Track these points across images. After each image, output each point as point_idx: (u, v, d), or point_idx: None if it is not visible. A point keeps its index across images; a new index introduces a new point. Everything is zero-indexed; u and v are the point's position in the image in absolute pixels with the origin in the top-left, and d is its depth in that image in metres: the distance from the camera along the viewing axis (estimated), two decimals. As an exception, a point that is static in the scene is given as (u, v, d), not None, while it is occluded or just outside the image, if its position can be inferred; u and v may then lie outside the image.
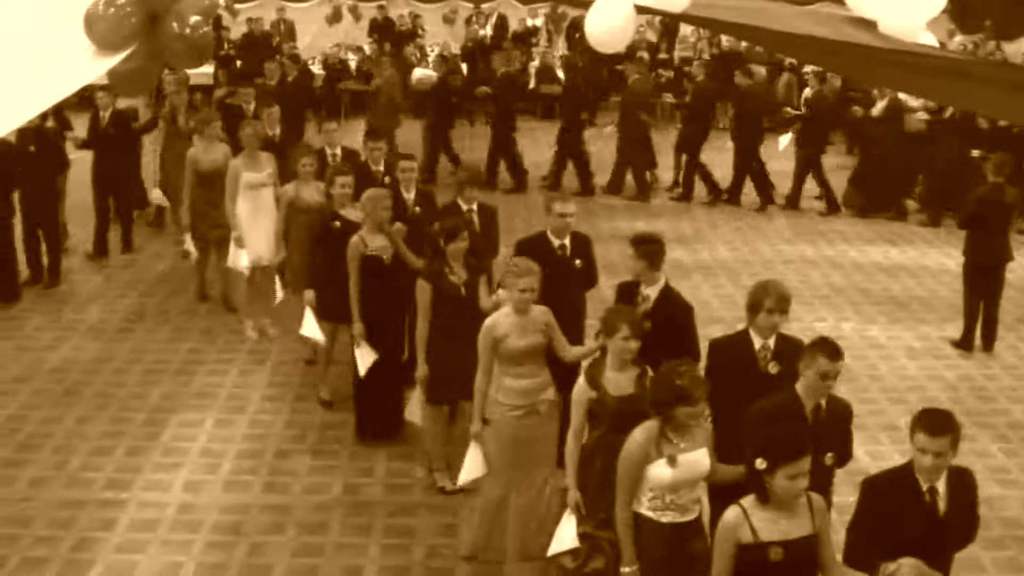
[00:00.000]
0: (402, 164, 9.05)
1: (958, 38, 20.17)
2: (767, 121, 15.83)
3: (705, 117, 16.07)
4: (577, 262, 7.53)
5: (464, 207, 8.44)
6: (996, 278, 10.13)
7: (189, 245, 10.66)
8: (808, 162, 15.26)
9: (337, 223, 8.34)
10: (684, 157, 15.75)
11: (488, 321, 6.40)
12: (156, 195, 12.41)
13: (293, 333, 9.96)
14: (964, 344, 10.23)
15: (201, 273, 10.98)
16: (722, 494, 5.22)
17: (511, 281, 6.31)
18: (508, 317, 6.34)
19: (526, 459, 6.36)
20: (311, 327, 8.54)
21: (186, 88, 12.15)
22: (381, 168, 9.71)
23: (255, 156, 9.84)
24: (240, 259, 9.81)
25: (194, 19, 3.99)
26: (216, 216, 10.13)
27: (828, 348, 5.36)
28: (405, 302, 7.67)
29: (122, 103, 12.35)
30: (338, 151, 10.37)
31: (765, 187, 15.49)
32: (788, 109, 17.34)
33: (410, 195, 8.91)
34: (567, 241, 7.54)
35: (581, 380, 5.85)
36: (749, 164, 15.40)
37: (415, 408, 7.45)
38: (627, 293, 6.71)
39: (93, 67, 3.88)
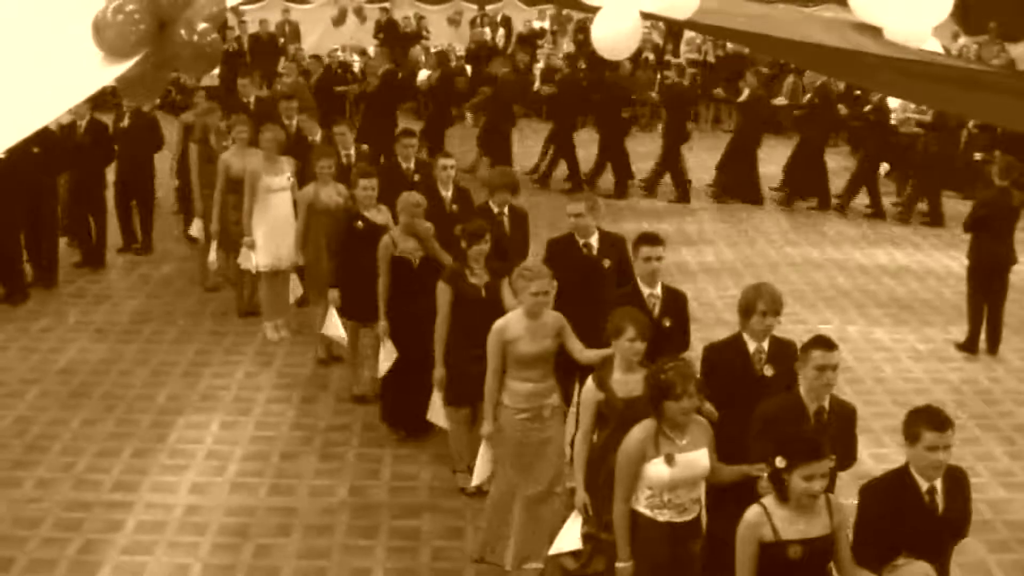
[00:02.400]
0: (441, 162, 9.10)
1: (962, 39, 20.19)
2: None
3: (572, 109, 16.86)
4: (606, 262, 7.50)
5: (495, 209, 8.46)
6: (1001, 281, 10.15)
7: (212, 254, 10.63)
8: (667, 149, 15.96)
9: (360, 223, 8.41)
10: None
11: (498, 323, 6.40)
12: (195, 229, 11.34)
13: (302, 335, 10.08)
14: (969, 347, 10.24)
15: (239, 284, 10.85)
16: (723, 496, 5.24)
17: (523, 285, 6.30)
18: (520, 320, 6.35)
19: (530, 463, 6.38)
20: (334, 326, 8.62)
21: (219, 108, 11.92)
22: (412, 166, 9.79)
23: (274, 160, 9.88)
24: (250, 261, 9.89)
25: (203, 26, 4.00)
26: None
27: (821, 341, 5.43)
28: (433, 304, 7.70)
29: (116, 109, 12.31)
30: (352, 151, 10.37)
31: (594, 173, 16.33)
32: (652, 94, 17.69)
33: (448, 193, 8.96)
34: (593, 241, 7.51)
35: (589, 382, 5.87)
36: (615, 152, 16.15)
37: (438, 409, 7.47)
38: (627, 298, 6.68)
39: (102, 74, 3.90)
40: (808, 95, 17.54)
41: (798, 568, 4.63)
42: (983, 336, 10.24)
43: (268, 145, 9.89)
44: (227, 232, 10.37)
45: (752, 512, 4.68)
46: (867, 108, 16.02)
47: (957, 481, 4.99)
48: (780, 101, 17.74)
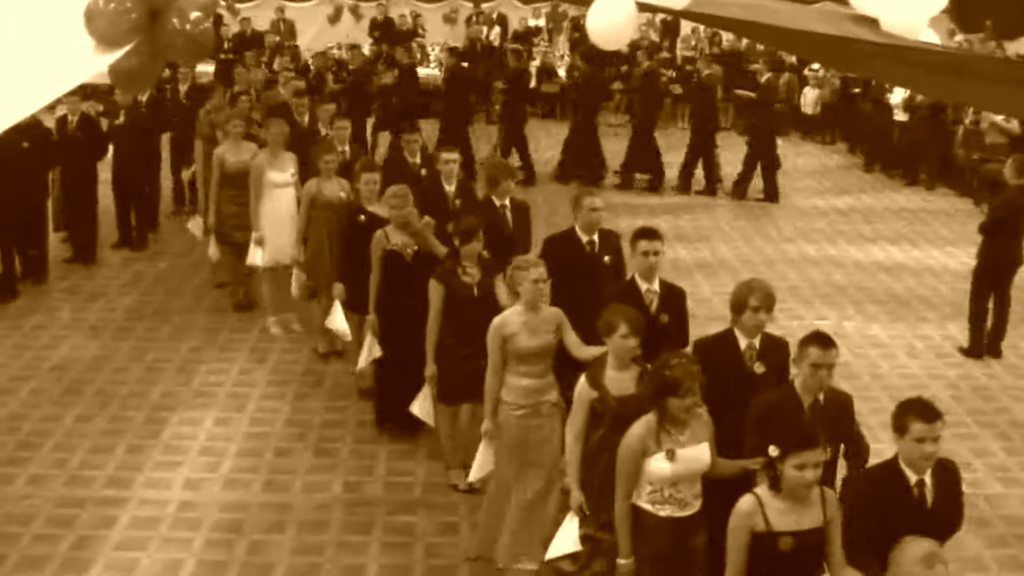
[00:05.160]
0: (444, 156, 9.10)
1: (958, 37, 20.21)
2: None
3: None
4: (606, 258, 7.45)
5: (497, 203, 8.42)
6: (1009, 281, 9.97)
7: (212, 248, 10.63)
8: (507, 137, 16.57)
9: (362, 217, 8.39)
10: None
11: (497, 320, 6.36)
12: (194, 224, 11.62)
13: (305, 331, 10.09)
14: (974, 351, 10.02)
15: (234, 278, 10.87)
16: (719, 490, 5.21)
17: (521, 275, 6.27)
18: (519, 316, 6.31)
19: (528, 460, 6.33)
20: (339, 320, 8.61)
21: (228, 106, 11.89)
22: (418, 160, 9.79)
23: (279, 155, 9.85)
24: (256, 257, 9.86)
25: (195, 15, 3.96)
26: (245, 217, 10.12)
27: (819, 339, 5.40)
28: (425, 299, 7.66)
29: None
30: (346, 148, 10.35)
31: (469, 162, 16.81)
32: (499, 84, 18.53)
33: (451, 188, 8.95)
34: (595, 237, 7.48)
35: (582, 380, 5.80)
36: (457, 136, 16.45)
37: (424, 404, 7.42)
38: (625, 294, 6.65)
39: (93, 63, 3.86)
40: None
41: (788, 560, 4.62)
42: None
43: (274, 140, 9.86)
44: (222, 226, 10.36)
45: (745, 501, 4.66)
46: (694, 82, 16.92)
47: (947, 474, 4.98)
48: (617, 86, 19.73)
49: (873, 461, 7.37)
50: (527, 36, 23.01)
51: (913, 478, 4.86)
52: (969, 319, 10.18)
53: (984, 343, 10.10)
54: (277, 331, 10.20)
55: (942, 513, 4.92)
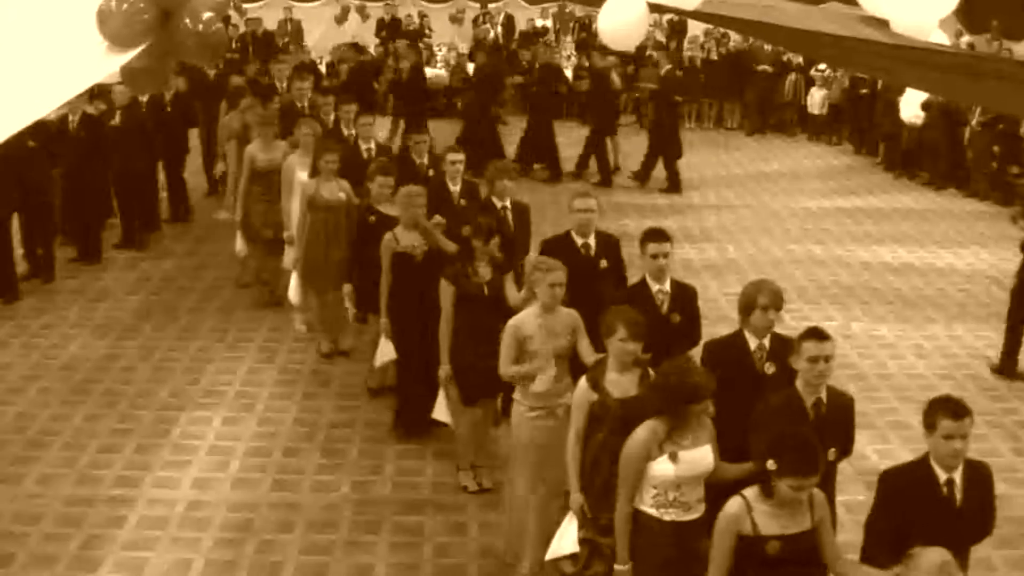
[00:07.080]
0: (449, 156, 9.10)
1: (965, 38, 20.18)
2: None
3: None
4: (603, 262, 7.44)
5: (498, 204, 8.42)
6: None
7: (240, 244, 10.67)
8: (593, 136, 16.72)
9: (373, 217, 8.39)
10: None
11: (513, 320, 6.36)
12: (223, 215, 11.69)
13: (312, 332, 10.07)
14: (1008, 371, 9.66)
15: (258, 275, 10.92)
16: (723, 494, 5.21)
17: (540, 276, 6.25)
18: (536, 318, 6.30)
19: (545, 462, 6.30)
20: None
21: (260, 105, 11.89)
22: (425, 161, 9.79)
23: (310, 156, 9.82)
24: (289, 257, 9.88)
25: (207, 15, 3.98)
26: (271, 214, 10.15)
27: (813, 333, 5.40)
28: (436, 300, 7.68)
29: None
30: (372, 145, 10.35)
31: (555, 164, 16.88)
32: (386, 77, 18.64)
33: (456, 188, 8.95)
34: (591, 240, 7.45)
35: (582, 382, 5.77)
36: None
37: (442, 407, 7.42)
38: (636, 295, 6.65)
39: (105, 63, 3.88)
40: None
41: (776, 564, 4.58)
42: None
43: (305, 140, 9.88)
44: (249, 222, 10.42)
45: (733, 504, 4.63)
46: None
47: (980, 476, 4.95)
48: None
49: (881, 461, 7.42)
50: (534, 37, 23.00)
51: (943, 476, 4.84)
52: (1006, 338, 9.75)
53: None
54: (302, 328, 10.18)
55: (971, 514, 4.89)
